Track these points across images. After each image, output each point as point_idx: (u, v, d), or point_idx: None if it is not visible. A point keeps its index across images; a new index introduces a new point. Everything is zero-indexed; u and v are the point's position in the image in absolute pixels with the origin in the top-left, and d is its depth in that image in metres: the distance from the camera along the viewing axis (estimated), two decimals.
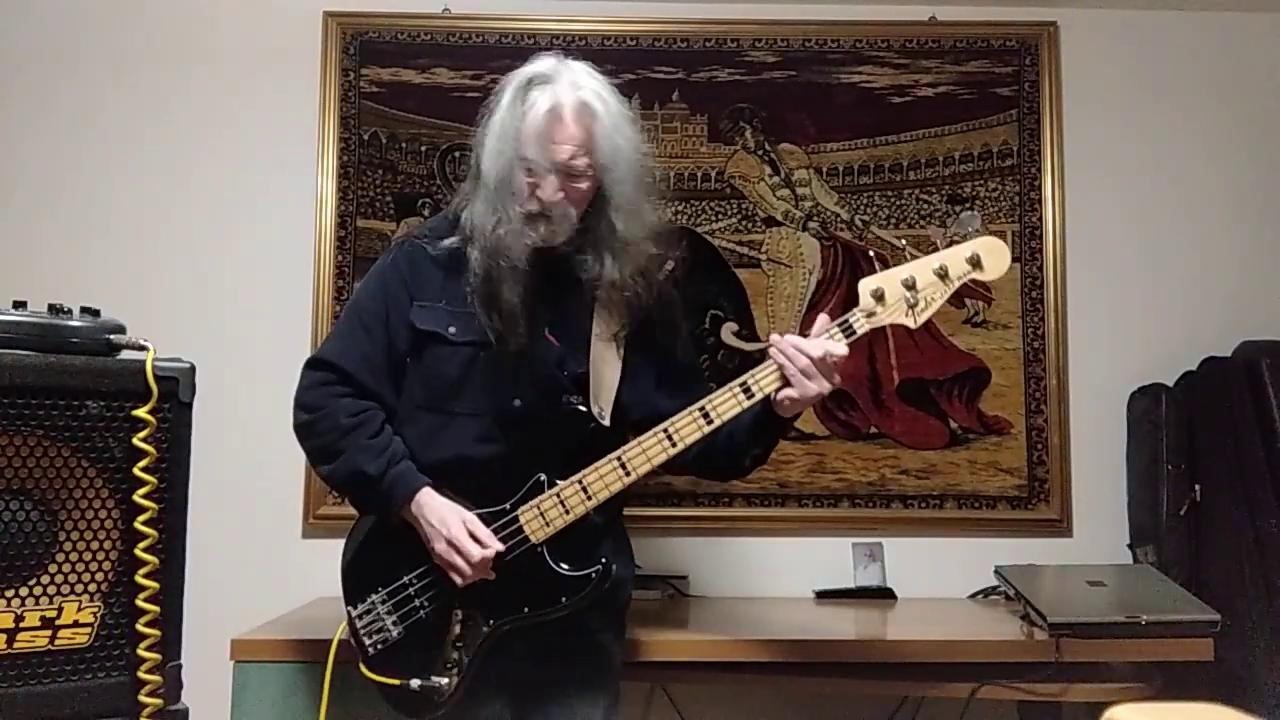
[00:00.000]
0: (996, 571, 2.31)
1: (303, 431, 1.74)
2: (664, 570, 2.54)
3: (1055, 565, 2.38)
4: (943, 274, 1.59)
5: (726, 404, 1.60)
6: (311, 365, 1.76)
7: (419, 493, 1.64)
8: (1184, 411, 2.48)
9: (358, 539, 1.77)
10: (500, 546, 1.61)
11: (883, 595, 2.49)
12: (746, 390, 1.60)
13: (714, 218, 2.66)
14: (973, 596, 2.50)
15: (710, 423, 1.60)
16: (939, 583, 2.53)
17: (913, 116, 2.68)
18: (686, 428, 1.60)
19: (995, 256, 1.61)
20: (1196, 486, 2.42)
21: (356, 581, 1.72)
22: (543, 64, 1.69)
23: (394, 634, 1.66)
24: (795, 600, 2.51)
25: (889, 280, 1.59)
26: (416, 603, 1.66)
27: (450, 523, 1.60)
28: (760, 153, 2.68)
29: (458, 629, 1.64)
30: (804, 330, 1.61)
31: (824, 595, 2.50)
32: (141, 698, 1.31)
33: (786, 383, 1.58)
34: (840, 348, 1.56)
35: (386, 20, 2.68)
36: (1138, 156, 2.70)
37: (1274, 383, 2.32)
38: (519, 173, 1.64)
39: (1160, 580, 2.26)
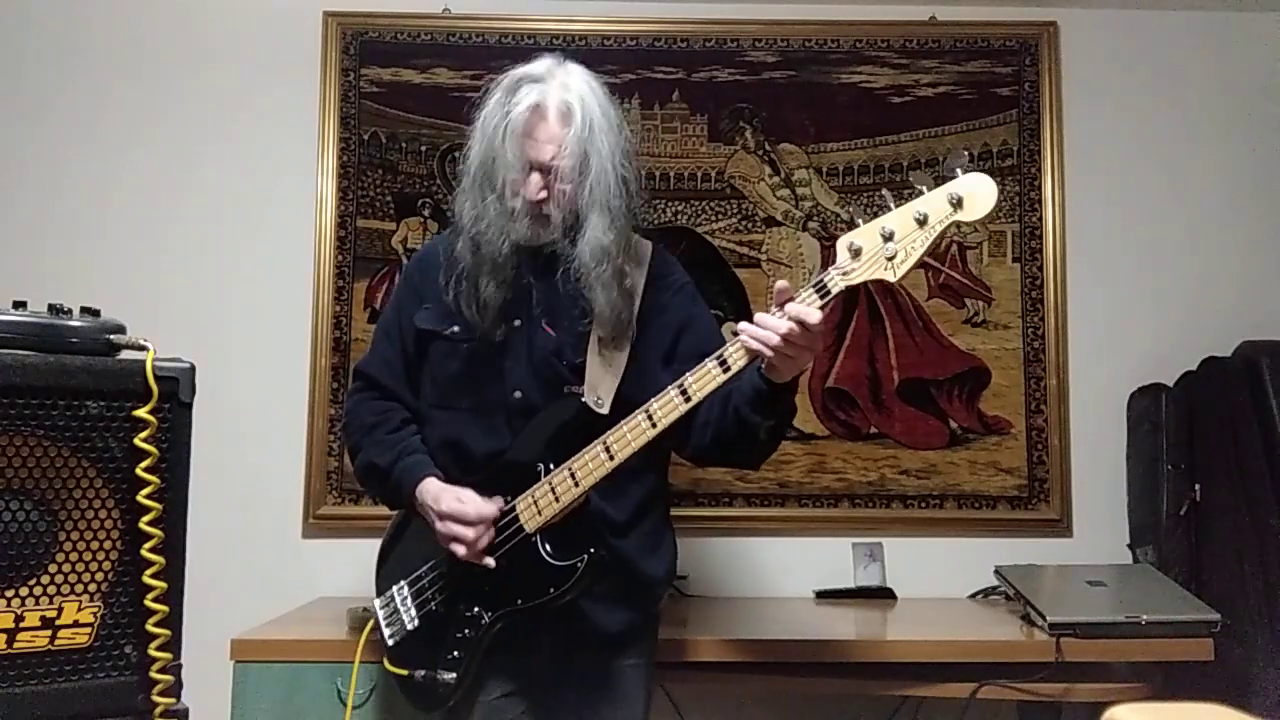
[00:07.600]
0: (996, 571, 2.32)
1: (342, 436, 1.88)
2: None
3: (1055, 565, 2.38)
4: (922, 220, 1.47)
5: (703, 380, 1.55)
6: (352, 377, 1.89)
7: (423, 481, 1.68)
8: (1184, 412, 2.48)
9: (391, 534, 1.83)
10: (493, 507, 1.62)
11: (883, 595, 2.49)
12: (723, 364, 1.54)
13: (714, 218, 2.66)
14: (973, 596, 2.50)
15: (688, 400, 1.55)
16: (939, 583, 2.53)
17: (913, 116, 2.68)
18: (664, 407, 1.57)
19: (978, 196, 1.45)
20: (1196, 486, 2.42)
21: (383, 574, 1.79)
22: (539, 65, 1.71)
23: (409, 626, 1.70)
24: (795, 600, 2.51)
25: (867, 234, 1.50)
26: (429, 594, 1.70)
27: (442, 498, 1.64)
28: (760, 153, 2.68)
29: (462, 623, 1.66)
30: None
31: (824, 595, 2.50)
32: (141, 698, 1.31)
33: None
34: (812, 314, 1.47)
35: (386, 20, 2.68)
36: (1138, 156, 2.70)
37: (1274, 383, 2.32)
38: (500, 168, 1.67)
39: (1160, 580, 2.26)
